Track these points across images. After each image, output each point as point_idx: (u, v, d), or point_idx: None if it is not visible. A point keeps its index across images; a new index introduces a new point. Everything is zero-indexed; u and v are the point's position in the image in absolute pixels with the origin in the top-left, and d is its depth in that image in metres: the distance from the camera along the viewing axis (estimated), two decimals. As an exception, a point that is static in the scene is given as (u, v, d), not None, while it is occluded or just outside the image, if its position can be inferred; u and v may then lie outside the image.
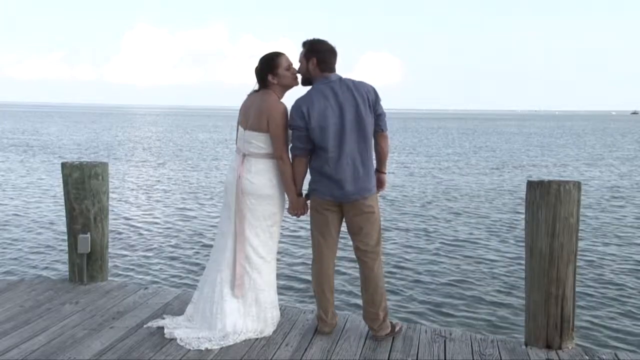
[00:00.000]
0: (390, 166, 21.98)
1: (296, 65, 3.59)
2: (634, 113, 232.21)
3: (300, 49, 3.55)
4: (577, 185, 3.45)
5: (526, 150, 32.33)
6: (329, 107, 3.40)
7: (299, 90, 3.62)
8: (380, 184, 3.63)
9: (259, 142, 3.55)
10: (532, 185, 3.50)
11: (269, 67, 3.56)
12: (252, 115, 3.55)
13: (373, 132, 3.52)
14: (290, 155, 3.55)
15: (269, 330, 3.62)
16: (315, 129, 3.39)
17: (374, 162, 3.61)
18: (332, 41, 3.52)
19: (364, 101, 3.42)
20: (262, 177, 3.57)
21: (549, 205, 3.40)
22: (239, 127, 3.67)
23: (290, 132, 3.51)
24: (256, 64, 3.62)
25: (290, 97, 3.63)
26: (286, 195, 3.64)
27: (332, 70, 3.51)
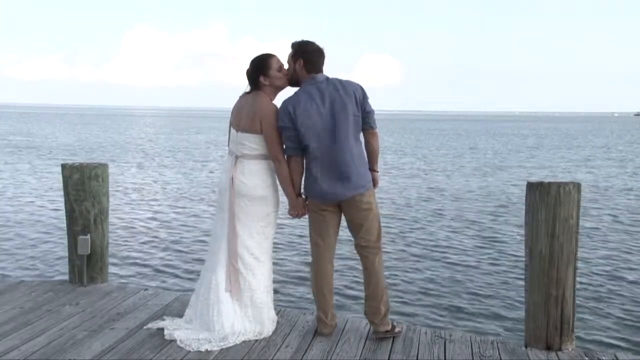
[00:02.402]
0: (389, 167, 22.00)
1: (287, 66, 3.61)
2: (638, 115, 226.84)
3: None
4: (577, 186, 3.45)
5: (520, 151, 32.39)
6: (315, 107, 3.42)
7: (288, 92, 3.63)
8: (373, 182, 3.63)
9: (252, 143, 3.56)
10: (532, 187, 3.50)
11: (261, 69, 3.57)
12: (245, 116, 3.56)
13: (362, 130, 3.55)
14: (285, 156, 3.56)
15: (267, 331, 3.62)
16: (302, 128, 3.42)
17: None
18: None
19: (351, 100, 3.44)
20: (255, 178, 3.58)
21: (549, 207, 3.40)
22: (231, 129, 3.67)
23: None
24: (247, 65, 3.63)
25: (279, 99, 3.65)
26: (284, 197, 3.65)
27: (319, 70, 3.54)
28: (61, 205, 5.01)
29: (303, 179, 3.60)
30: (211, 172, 20.05)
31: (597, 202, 14.12)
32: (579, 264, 3.64)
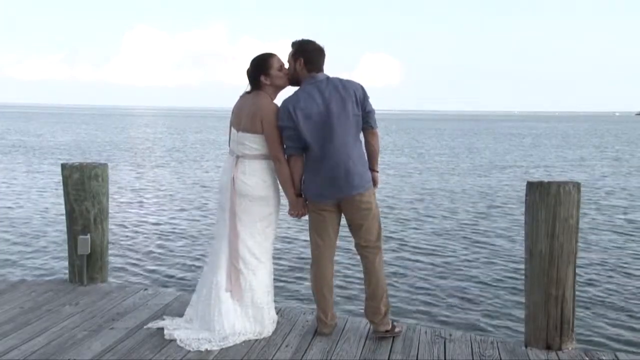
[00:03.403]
0: (388, 167, 21.97)
1: (287, 65, 3.61)
2: (639, 114, 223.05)
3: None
4: (577, 186, 3.45)
5: (517, 151, 32.42)
6: (315, 106, 3.43)
7: (288, 91, 3.64)
8: (372, 182, 3.63)
9: (252, 143, 3.56)
10: (532, 186, 3.50)
11: (262, 68, 3.57)
12: (245, 116, 3.57)
13: (363, 130, 3.55)
14: (285, 156, 3.56)
15: (267, 331, 3.62)
16: (302, 128, 3.42)
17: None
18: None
19: (351, 99, 3.45)
20: (256, 178, 3.58)
21: (549, 206, 3.40)
22: (232, 128, 3.67)
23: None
24: (248, 65, 3.63)
25: (279, 98, 3.64)
26: (284, 197, 3.65)
27: (320, 70, 3.54)
28: (61, 205, 5.01)
29: (303, 178, 3.61)
30: (208, 172, 20.04)
31: (596, 201, 14.11)
32: (579, 264, 3.64)
